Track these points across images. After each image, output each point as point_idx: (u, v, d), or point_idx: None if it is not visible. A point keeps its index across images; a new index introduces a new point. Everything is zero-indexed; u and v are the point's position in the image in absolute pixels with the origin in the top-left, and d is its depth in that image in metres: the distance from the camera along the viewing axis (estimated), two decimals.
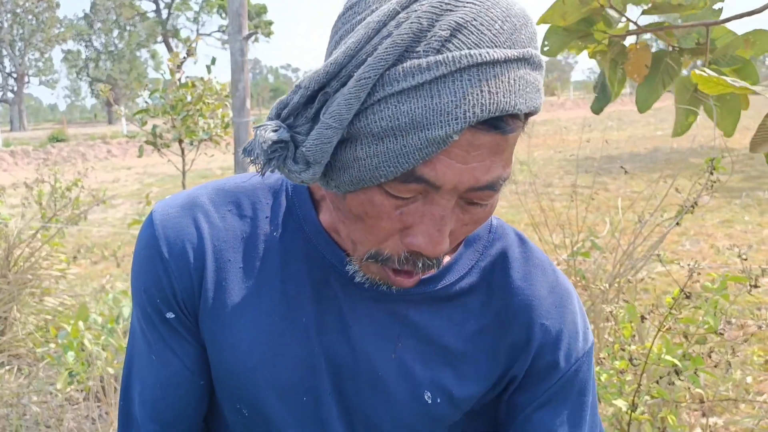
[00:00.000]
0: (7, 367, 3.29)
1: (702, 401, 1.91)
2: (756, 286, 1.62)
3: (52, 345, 2.98)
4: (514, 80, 0.59)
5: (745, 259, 1.72)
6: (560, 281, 0.84)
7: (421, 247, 0.65)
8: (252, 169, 0.70)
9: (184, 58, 3.67)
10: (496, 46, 0.58)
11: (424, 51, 0.57)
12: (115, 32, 57.86)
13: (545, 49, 2.05)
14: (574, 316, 0.83)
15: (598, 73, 2.20)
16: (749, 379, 3.39)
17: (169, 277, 0.78)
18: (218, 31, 56.02)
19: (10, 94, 54.63)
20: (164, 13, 55.52)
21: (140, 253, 0.80)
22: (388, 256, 0.68)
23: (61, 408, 2.87)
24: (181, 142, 3.59)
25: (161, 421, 0.82)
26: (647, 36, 2.07)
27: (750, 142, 1.00)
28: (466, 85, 0.57)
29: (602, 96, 2.19)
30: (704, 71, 0.98)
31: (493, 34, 0.58)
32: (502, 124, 0.60)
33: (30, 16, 54.42)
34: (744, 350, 3.73)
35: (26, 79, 55.88)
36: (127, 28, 57.19)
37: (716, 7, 2.00)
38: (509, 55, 0.58)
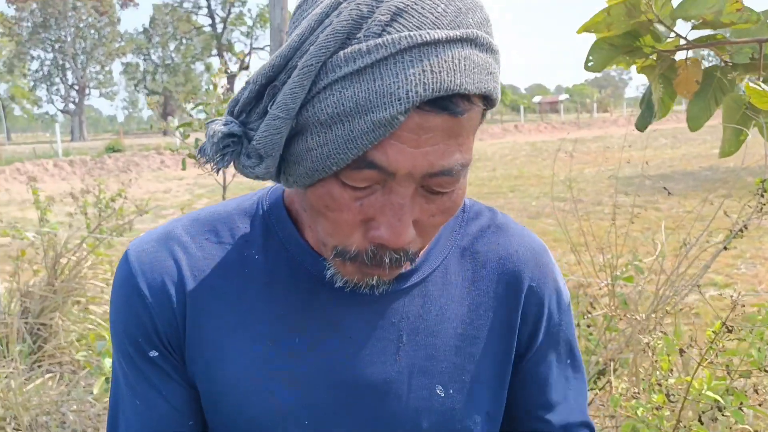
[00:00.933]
0: (49, 375, 3.35)
1: None
2: None
3: (92, 353, 3.01)
4: (459, 60, 0.58)
5: None
6: (536, 242, 0.86)
7: (384, 239, 0.64)
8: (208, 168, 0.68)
9: (236, 71, 3.69)
10: (438, 28, 0.58)
11: (365, 36, 0.58)
12: (172, 46, 59.47)
13: (589, 64, 1.99)
14: (553, 273, 0.86)
15: (647, 88, 2.12)
16: None
17: (150, 313, 0.75)
18: (270, 44, 56.97)
19: (71, 106, 56.58)
20: (219, 28, 56.84)
21: (118, 293, 0.78)
22: (356, 252, 0.67)
23: (98, 417, 2.90)
24: None
25: None
26: (698, 51, 1.99)
27: None
28: (407, 65, 0.57)
29: (647, 112, 2.12)
30: (758, 84, 0.91)
31: (435, 17, 0.58)
32: (451, 105, 0.59)
33: (92, 31, 56.38)
34: None
35: (87, 91, 57.82)
36: (184, 41, 58.73)
37: None
38: (452, 35, 0.58)
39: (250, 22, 57.41)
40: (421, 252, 0.77)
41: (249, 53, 56.76)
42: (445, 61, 0.57)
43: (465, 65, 0.58)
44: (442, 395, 0.77)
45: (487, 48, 0.61)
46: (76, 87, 56.75)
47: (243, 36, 59.30)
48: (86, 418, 2.89)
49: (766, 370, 1.40)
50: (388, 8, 0.57)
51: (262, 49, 57.32)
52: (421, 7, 0.58)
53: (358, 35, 0.58)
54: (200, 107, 3.52)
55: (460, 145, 0.62)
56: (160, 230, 0.80)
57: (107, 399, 3.00)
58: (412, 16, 0.57)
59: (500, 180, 14.55)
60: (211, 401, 0.77)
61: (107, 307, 4.08)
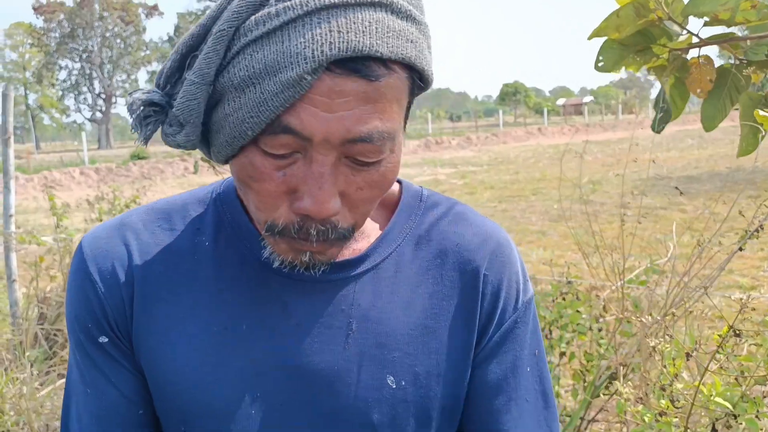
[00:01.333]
0: (62, 381, 3.36)
1: None
2: None
3: None
4: (370, 22, 0.58)
5: None
6: (496, 231, 0.83)
7: (307, 209, 0.63)
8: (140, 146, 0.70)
9: None
10: None
11: (274, 1, 0.59)
12: None
13: (600, 65, 1.94)
14: (513, 264, 0.82)
15: (659, 89, 2.08)
16: None
17: (99, 299, 0.74)
18: None
19: (98, 114, 57.45)
20: None
21: (71, 279, 0.78)
22: (283, 225, 0.66)
23: None
24: None
25: None
26: (711, 49, 1.94)
27: None
28: (315, 26, 0.57)
29: (663, 114, 2.07)
30: None
31: None
32: (364, 68, 0.59)
33: (118, 40, 57.27)
34: None
35: (113, 99, 58.68)
36: None
37: None
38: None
39: None
40: (372, 237, 0.78)
41: None
42: (354, 23, 0.57)
43: (377, 28, 0.58)
44: (394, 386, 0.74)
45: (407, 16, 0.61)
46: (103, 96, 57.65)
47: None
48: None
49: None
50: None
51: None
52: None
53: (268, 1, 0.59)
54: None
55: (380, 112, 0.61)
56: (115, 219, 0.80)
57: None
58: None
59: (523, 183, 14.45)
60: (159, 389, 0.75)
61: None
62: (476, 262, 0.79)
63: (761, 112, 0.78)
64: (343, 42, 0.57)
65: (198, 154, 3.66)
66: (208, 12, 0.62)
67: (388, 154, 0.65)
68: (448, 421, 0.79)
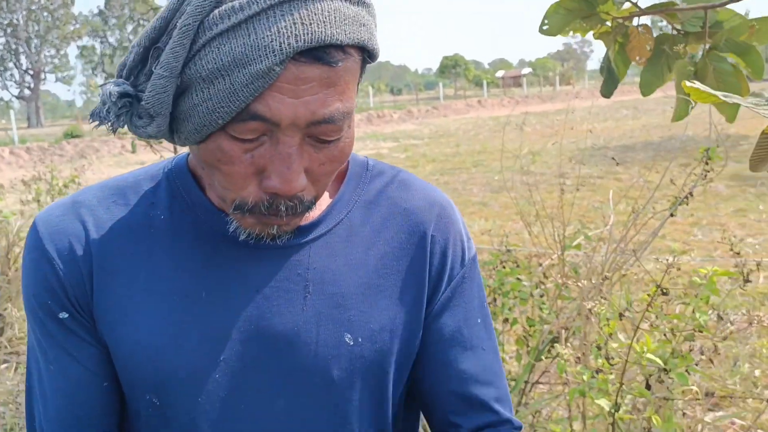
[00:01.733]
0: (5, 365, 3.30)
1: (698, 398, 1.85)
2: (748, 281, 1.55)
3: None
4: (329, 12, 0.62)
5: (738, 253, 1.65)
6: (439, 195, 0.89)
7: (276, 188, 0.67)
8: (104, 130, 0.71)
9: None
10: None
11: None
12: (130, 27, 58.21)
13: (545, 28, 2.00)
14: (456, 224, 0.87)
15: (604, 55, 2.15)
16: (757, 373, 3.32)
17: (57, 275, 0.76)
18: None
19: (27, 91, 55.16)
20: None
21: (26, 259, 0.79)
22: (253, 203, 0.70)
23: None
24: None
25: (65, 431, 0.78)
26: (653, 18, 2.01)
27: (750, 161, 0.93)
28: (279, 19, 0.60)
29: (609, 79, 2.15)
30: (695, 82, 0.91)
31: None
32: (325, 55, 0.63)
33: (45, 13, 54.89)
34: (753, 343, 3.66)
35: (42, 75, 56.42)
36: (141, 23, 57.49)
37: None
38: None
39: None
40: (323, 205, 0.81)
41: None
42: (315, 14, 0.61)
43: (335, 17, 0.62)
44: (351, 343, 0.79)
45: (358, 1, 0.65)
46: (31, 72, 55.30)
47: None
48: None
49: (700, 331, 1.44)
50: None
51: None
52: None
53: None
54: None
55: (340, 93, 0.66)
56: (68, 198, 0.82)
57: None
58: None
59: (464, 155, 14.61)
60: (123, 360, 0.77)
61: None
62: (423, 224, 0.85)
63: (688, 83, 0.83)
64: (307, 34, 0.60)
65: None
66: (167, 4, 0.64)
67: (346, 131, 0.69)
68: (400, 373, 0.84)
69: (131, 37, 58.16)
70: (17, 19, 53.84)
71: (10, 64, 55.70)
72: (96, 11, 60.10)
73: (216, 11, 0.62)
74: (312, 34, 0.61)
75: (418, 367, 0.86)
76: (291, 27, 0.60)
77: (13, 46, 54.97)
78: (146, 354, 0.75)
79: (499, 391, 0.87)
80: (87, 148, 21.00)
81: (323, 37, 0.61)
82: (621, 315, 1.40)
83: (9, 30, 53.96)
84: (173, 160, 0.84)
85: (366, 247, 0.82)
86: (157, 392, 0.76)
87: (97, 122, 0.68)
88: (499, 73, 71.70)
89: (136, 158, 19.11)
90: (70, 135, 23.52)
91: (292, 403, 0.78)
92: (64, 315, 0.76)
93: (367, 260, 0.82)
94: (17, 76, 55.86)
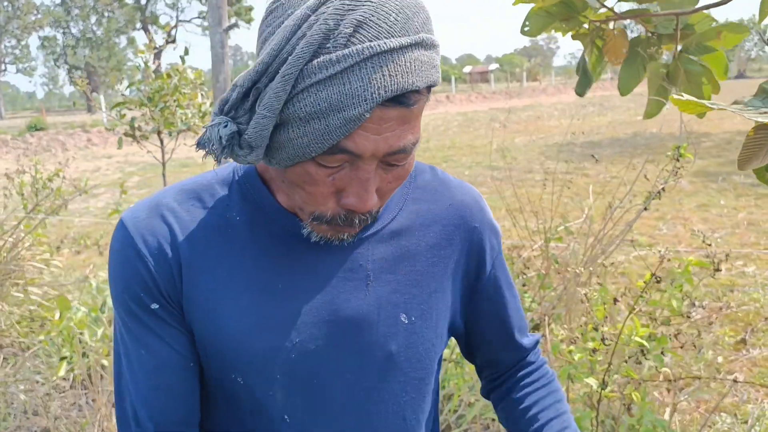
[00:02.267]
0: None
1: (672, 380, 1.98)
2: (718, 270, 1.69)
3: (42, 336, 2.99)
4: (410, 62, 0.72)
5: (709, 245, 1.78)
6: (473, 191, 1.04)
7: (354, 206, 0.78)
8: (210, 160, 0.81)
9: (162, 45, 3.67)
10: (392, 36, 0.71)
11: (333, 47, 0.70)
12: (93, 18, 57.06)
13: (525, 29, 2.10)
14: (489, 215, 1.03)
15: (580, 55, 2.25)
16: (720, 359, 3.49)
17: (149, 270, 0.85)
18: (198, 17, 55.47)
19: None
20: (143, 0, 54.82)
21: (117, 255, 0.88)
22: (331, 216, 0.81)
23: (48, 396, 2.90)
24: (159, 133, 3.61)
25: (158, 410, 0.88)
26: (628, 21, 2.12)
27: (738, 160, 1.04)
28: (370, 71, 0.70)
29: (584, 78, 2.25)
30: (681, 95, 1.02)
31: (389, 26, 0.71)
32: (405, 99, 0.73)
33: (5, 2, 53.54)
34: (716, 331, 3.84)
35: (2, 66, 55.07)
36: (105, 14, 56.41)
37: None
38: (403, 42, 0.71)
39: None
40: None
41: (175, 26, 55.10)
42: (400, 66, 0.71)
43: (415, 66, 0.72)
44: (406, 322, 0.93)
45: (431, 46, 0.75)
46: None
47: (168, 8, 57.46)
48: (35, 398, 2.89)
49: (687, 316, 1.56)
50: (350, 22, 0.70)
51: (189, 21, 55.69)
52: (377, 19, 0.71)
53: (327, 45, 0.70)
54: (133, 87, 3.49)
55: (412, 127, 0.77)
56: (149, 200, 0.90)
57: (55, 379, 3.00)
58: (371, 27, 0.70)
59: (433, 151, 14.75)
60: (210, 345, 0.87)
61: (47, 288, 4.03)
62: (466, 217, 1.00)
63: (676, 96, 0.93)
64: (393, 84, 0.71)
65: (118, 126, 3.61)
66: (269, 51, 0.72)
67: (413, 154, 0.81)
68: (443, 345, 1.01)
69: (95, 27, 57.06)
70: None
71: None
72: (58, 1, 58.82)
73: (315, 61, 0.70)
74: (397, 84, 0.71)
75: (473, 319, 1.05)
76: (380, 79, 0.70)
77: None
78: (232, 340, 0.86)
79: (524, 329, 1.10)
80: (52, 141, 20.65)
81: (405, 86, 0.71)
82: (615, 300, 1.53)
83: None
84: (241, 166, 0.94)
85: (416, 240, 0.95)
86: (241, 372, 0.88)
87: (204, 151, 0.78)
88: (467, 69, 72.01)
89: (103, 152, 18.85)
90: (34, 127, 23.09)
91: (358, 376, 0.91)
92: (155, 306, 0.86)
93: (418, 250, 0.95)
94: None
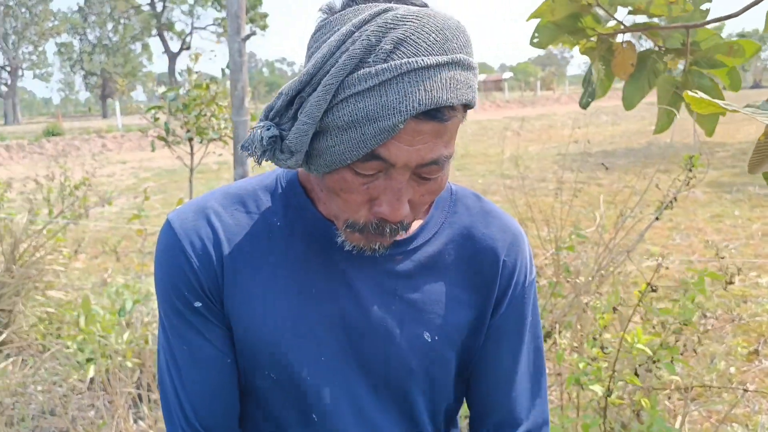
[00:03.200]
0: (12, 359, 3.37)
1: (685, 389, 2.00)
2: (731, 283, 1.71)
3: (66, 340, 3.04)
4: (446, 80, 0.75)
5: (722, 257, 1.81)
6: (512, 224, 1.04)
7: (386, 214, 0.82)
8: (250, 161, 0.85)
9: (179, 51, 3.76)
10: (430, 54, 0.74)
11: (373, 61, 0.74)
12: (110, 25, 57.60)
13: (534, 41, 2.14)
14: (524, 252, 1.04)
15: (588, 68, 2.28)
16: (732, 370, 3.49)
17: (194, 270, 0.91)
18: (213, 24, 55.87)
19: (3, 88, 54.42)
20: (159, 6, 55.33)
21: (164, 255, 0.93)
22: (363, 225, 0.85)
23: (65, 397, 2.95)
24: (191, 140, 3.70)
25: (200, 404, 0.94)
26: (636, 35, 2.15)
27: (748, 164, 1.06)
28: (407, 86, 0.74)
29: (590, 91, 2.27)
30: (697, 92, 1.05)
31: (428, 45, 0.75)
32: (439, 114, 0.77)
33: (23, 9, 54.17)
34: (729, 342, 3.84)
35: (20, 72, 55.69)
36: (122, 21, 56.96)
37: (703, 7, 2.08)
38: (440, 60, 0.75)
39: (191, 0, 56.04)
40: (416, 225, 0.97)
41: (191, 32, 55.53)
42: (435, 82, 0.74)
43: (450, 84, 0.76)
44: (429, 340, 0.96)
45: (468, 67, 0.78)
46: (8, 68, 54.59)
47: (184, 15, 57.92)
48: (53, 399, 2.95)
49: (685, 325, 1.59)
50: (391, 39, 0.74)
51: (204, 29, 56.10)
52: (417, 37, 0.74)
53: (368, 60, 0.74)
54: (171, 93, 3.58)
55: (445, 142, 0.80)
56: (195, 202, 0.96)
57: (72, 380, 3.05)
58: (410, 45, 0.74)
59: None
60: (248, 343, 0.93)
61: (66, 291, 4.09)
62: (497, 250, 1.01)
63: (690, 93, 0.96)
64: (428, 99, 0.74)
65: (150, 129, 3.69)
66: (314, 62, 0.77)
67: (445, 169, 0.84)
68: (463, 367, 1.03)
69: (111, 34, 57.60)
70: None
71: None
72: (75, 8, 59.42)
73: (355, 74, 0.74)
74: (431, 99, 0.74)
75: (477, 355, 1.03)
76: (416, 93, 0.73)
77: None
78: (268, 339, 0.92)
79: (534, 399, 1.06)
80: (68, 146, 20.86)
81: (440, 102, 0.75)
82: (615, 309, 1.55)
83: None
84: (286, 174, 0.99)
85: (448, 264, 0.98)
86: (275, 369, 0.93)
87: (247, 153, 0.83)
88: (481, 77, 72.05)
89: (117, 157, 19.00)
90: (50, 133, 23.33)
91: (378, 383, 0.95)
92: (198, 304, 0.92)
93: (448, 274, 0.98)
94: None
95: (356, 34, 0.75)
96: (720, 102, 0.99)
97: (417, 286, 0.96)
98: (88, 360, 2.58)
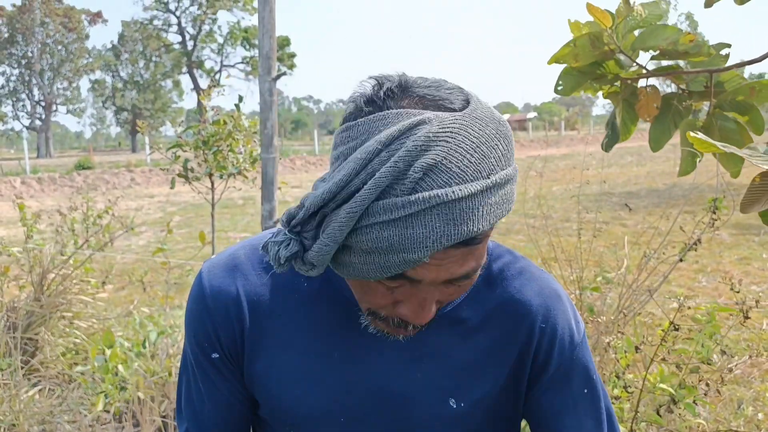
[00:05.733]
0: (39, 387, 3.42)
1: None
2: (747, 317, 1.70)
3: (80, 367, 3.09)
4: (479, 208, 0.70)
5: (738, 291, 1.80)
6: (550, 285, 0.98)
7: (409, 318, 0.80)
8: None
9: (210, 91, 3.86)
10: (463, 182, 0.68)
11: (400, 191, 0.69)
12: (141, 63, 59.05)
13: (559, 89, 2.17)
14: (565, 314, 0.97)
15: (611, 111, 2.30)
16: (761, 416, 3.42)
17: (214, 326, 0.95)
18: (241, 62, 57.00)
19: (38, 122, 55.76)
20: (189, 45, 56.66)
21: (191, 306, 0.97)
22: (385, 317, 0.83)
23: (91, 427, 2.98)
24: (211, 175, 3.78)
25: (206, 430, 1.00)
26: (659, 80, 2.18)
27: (740, 203, 1.07)
28: (434, 219, 0.68)
29: (612, 135, 2.29)
30: (698, 133, 1.06)
31: (461, 170, 0.69)
32: (470, 241, 0.73)
33: (59, 47, 55.77)
34: (756, 387, 3.77)
35: (54, 107, 57.08)
36: (153, 59, 58.37)
37: (723, 52, 2.11)
38: (474, 189, 0.69)
39: (220, 40, 57.37)
40: None
41: (219, 70, 56.67)
42: (467, 214, 0.69)
43: (484, 212, 0.70)
44: (454, 407, 0.94)
45: (506, 181, 0.73)
46: (43, 103, 56.00)
47: (213, 53, 59.20)
48: (79, 428, 2.98)
49: (709, 363, 1.58)
50: (420, 166, 0.68)
51: (233, 66, 57.24)
52: (449, 162, 0.68)
53: (395, 187, 0.69)
54: (190, 131, 3.67)
55: (476, 258, 0.77)
56: (227, 256, 0.98)
57: (98, 410, 3.08)
58: (441, 173, 0.68)
59: None
60: (268, 402, 0.96)
61: (92, 322, 4.16)
62: (532, 316, 0.95)
63: (691, 134, 0.97)
64: (458, 233, 0.69)
65: (169, 167, 3.77)
66: (336, 181, 0.71)
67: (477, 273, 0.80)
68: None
69: (142, 71, 58.98)
70: (32, 52, 54.73)
71: (23, 96, 56.46)
72: (109, 46, 61.06)
73: (381, 202, 0.69)
74: (460, 234, 0.69)
75: (534, 418, 0.99)
76: (444, 227, 0.68)
77: (27, 78, 55.79)
78: (288, 399, 0.94)
79: None
80: (97, 180, 21.24)
81: (471, 233, 0.70)
82: (637, 348, 1.55)
83: (23, 62, 54.82)
84: None
85: (476, 329, 0.95)
86: (295, 427, 0.96)
87: (267, 258, 0.84)
88: (505, 117, 72.01)
89: (146, 191, 19.32)
90: (81, 166, 23.82)
91: None
92: (215, 355, 0.96)
93: (477, 340, 0.95)
94: (29, 107, 56.58)
95: (384, 153, 0.69)
96: (718, 144, 1.00)
97: (445, 353, 0.94)
98: (100, 393, 2.61)
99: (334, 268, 0.79)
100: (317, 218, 0.74)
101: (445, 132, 0.69)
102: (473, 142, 0.70)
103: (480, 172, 0.70)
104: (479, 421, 0.96)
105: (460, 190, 0.68)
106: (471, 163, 0.69)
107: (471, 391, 0.94)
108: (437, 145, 0.68)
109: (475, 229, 0.70)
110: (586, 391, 0.98)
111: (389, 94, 0.75)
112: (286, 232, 0.77)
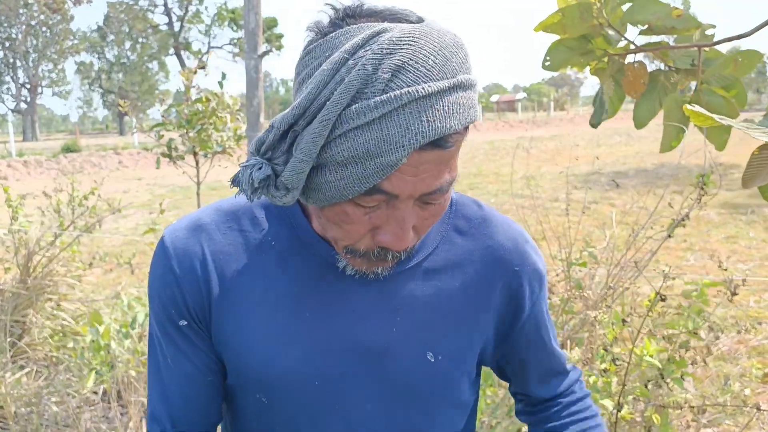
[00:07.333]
0: (26, 370, 3.40)
1: (694, 407, 1.98)
2: (735, 294, 1.70)
3: (72, 344, 3.08)
4: (448, 106, 0.71)
5: (725, 269, 1.80)
6: (517, 231, 1.01)
7: (389, 243, 0.79)
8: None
9: (195, 70, 3.81)
10: (430, 80, 0.70)
11: (371, 92, 0.69)
12: (128, 44, 58.47)
13: (546, 64, 2.15)
14: (533, 257, 1.00)
15: (598, 89, 2.29)
16: (747, 391, 3.46)
17: (181, 290, 0.90)
18: (229, 43, 56.53)
19: (23, 105, 55.19)
20: (176, 26, 56.09)
21: (155, 272, 0.93)
22: (364, 251, 0.82)
23: (79, 409, 2.97)
24: (195, 154, 3.74)
25: (177, 411, 0.95)
26: (646, 56, 2.17)
27: (742, 178, 1.06)
28: (408, 117, 0.69)
29: (600, 111, 2.28)
30: (695, 106, 1.05)
31: (428, 69, 0.70)
32: (442, 142, 0.73)
33: (44, 28, 55.05)
34: (743, 363, 3.81)
35: (39, 89, 56.47)
36: (140, 40, 57.79)
37: (708, 32, 2.10)
38: (441, 86, 0.70)
39: (207, 21, 56.80)
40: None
41: (207, 51, 56.17)
42: (438, 110, 0.70)
43: (453, 109, 0.71)
44: (432, 360, 0.92)
45: (469, 86, 0.74)
46: (28, 86, 55.38)
47: (201, 34, 58.68)
48: (67, 410, 2.97)
49: (695, 334, 1.58)
50: (388, 66, 0.69)
51: (221, 48, 56.77)
52: (415, 63, 0.69)
53: (365, 91, 0.69)
54: (172, 109, 3.63)
55: (449, 167, 0.77)
56: (189, 219, 0.95)
57: (86, 392, 3.08)
58: (409, 72, 0.69)
59: (460, 178, 14.61)
60: (236, 365, 0.92)
61: (79, 305, 4.13)
62: (505, 260, 0.97)
63: (689, 106, 0.95)
64: (431, 129, 0.70)
65: (157, 149, 3.73)
66: (306, 95, 0.71)
67: (449, 192, 0.80)
68: (472, 386, 1.00)
69: (129, 53, 58.42)
70: (16, 34, 54.01)
71: (7, 78, 55.80)
72: (95, 27, 60.38)
73: (353, 107, 0.69)
74: (434, 129, 0.70)
75: (506, 359, 1.05)
76: (417, 124, 0.69)
77: (11, 60, 55.11)
78: (258, 362, 0.90)
79: (561, 369, 1.09)
80: (84, 162, 21.09)
81: (443, 131, 0.70)
82: (624, 321, 1.55)
83: (7, 44, 54.12)
84: None
85: (451, 278, 0.94)
86: (265, 392, 0.92)
87: (237, 188, 0.78)
88: (494, 98, 72.13)
89: (133, 173, 19.21)
90: (68, 149, 23.60)
91: (378, 408, 0.92)
92: (183, 323, 0.92)
93: (451, 290, 0.94)
94: (14, 90, 55.96)
95: (350, 61, 0.70)
96: (715, 116, 0.99)
97: (420, 306, 0.92)
98: (91, 369, 2.60)
99: (307, 199, 0.79)
100: (288, 139, 0.74)
101: (408, 37, 0.71)
102: (435, 46, 0.72)
103: (445, 73, 0.71)
104: (456, 374, 0.95)
105: (429, 86, 0.69)
106: (436, 63, 0.71)
107: (448, 344, 0.93)
108: (402, 48, 0.70)
109: (448, 126, 0.71)
110: (547, 324, 1.05)
111: (348, 13, 0.76)
112: (257, 159, 0.76)
